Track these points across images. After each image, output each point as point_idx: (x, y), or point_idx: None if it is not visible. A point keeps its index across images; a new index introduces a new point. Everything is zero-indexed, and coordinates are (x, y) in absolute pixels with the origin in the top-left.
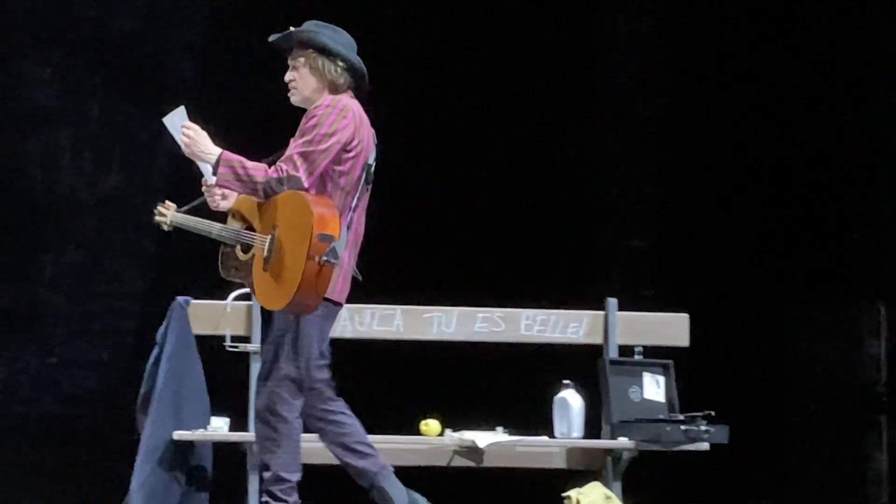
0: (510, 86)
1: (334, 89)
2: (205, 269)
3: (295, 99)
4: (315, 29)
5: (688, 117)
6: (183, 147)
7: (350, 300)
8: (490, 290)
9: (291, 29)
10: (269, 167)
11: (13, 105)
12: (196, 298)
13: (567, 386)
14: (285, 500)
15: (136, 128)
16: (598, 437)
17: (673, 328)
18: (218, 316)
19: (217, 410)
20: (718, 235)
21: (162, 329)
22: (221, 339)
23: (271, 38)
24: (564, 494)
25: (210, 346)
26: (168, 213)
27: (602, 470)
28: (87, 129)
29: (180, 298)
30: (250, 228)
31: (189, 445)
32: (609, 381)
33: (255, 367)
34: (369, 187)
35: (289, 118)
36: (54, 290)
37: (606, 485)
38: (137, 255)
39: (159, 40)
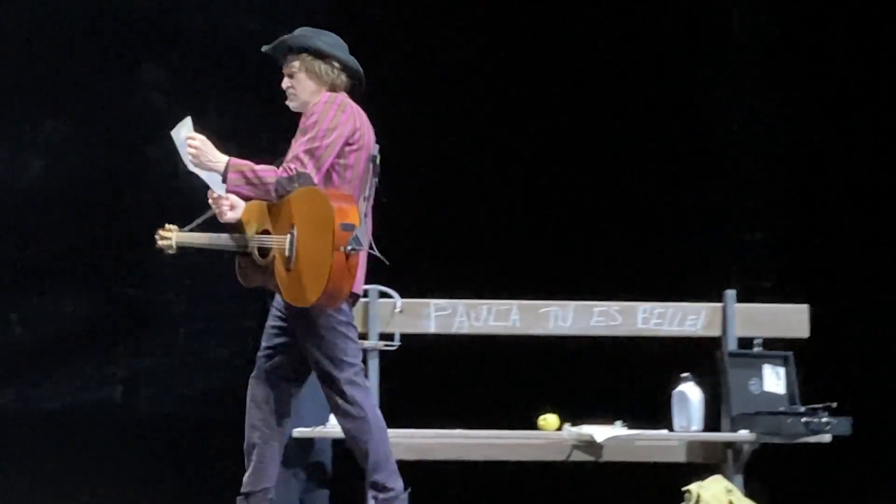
0: (624, 73)
1: (332, 90)
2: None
3: (294, 104)
4: (307, 34)
5: (808, 107)
6: (189, 159)
7: (466, 296)
8: (606, 283)
9: (281, 38)
10: (278, 168)
11: (132, 109)
12: None
13: (686, 379)
14: (392, 489)
15: (255, 130)
16: (717, 430)
17: (792, 319)
18: None
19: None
20: (838, 225)
21: None
22: None
23: (264, 49)
24: (685, 488)
25: None
26: (172, 236)
27: (722, 463)
28: (205, 132)
29: None
30: (264, 232)
31: (309, 443)
32: (728, 373)
33: (373, 364)
34: (377, 180)
35: (401, 118)
36: (176, 291)
37: (727, 478)
38: None
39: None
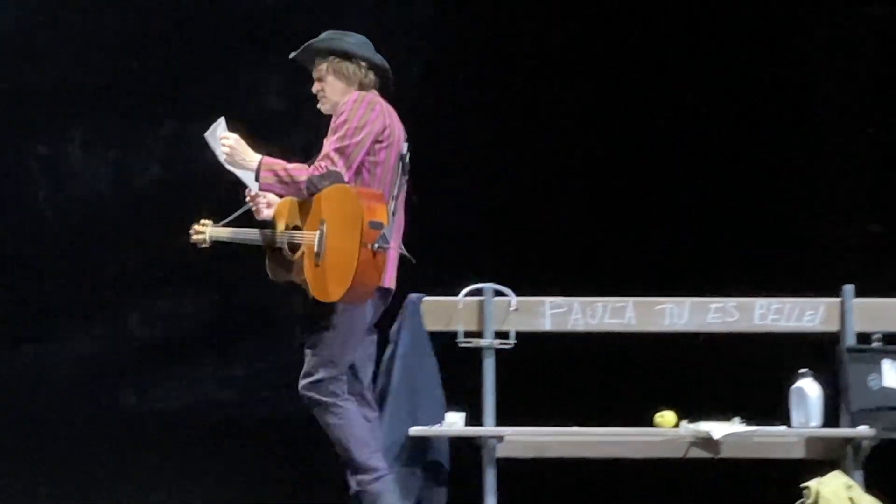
0: (731, 65)
1: (361, 89)
2: (437, 265)
3: (325, 107)
4: (333, 36)
5: None
6: (223, 158)
7: (581, 293)
8: (722, 279)
9: (307, 43)
10: (309, 166)
11: (248, 112)
12: (428, 295)
13: (804, 375)
14: (375, 468)
15: None
16: (835, 426)
17: None
18: (450, 312)
19: (451, 406)
20: None
21: (395, 326)
22: (454, 335)
23: (292, 56)
24: (804, 485)
25: (443, 342)
26: (206, 230)
27: (842, 459)
28: (319, 133)
29: (413, 295)
30: (295, 228)
31: (426, 441)
32: (847, 369)
33: (489, 363)
34: (407, 177)
35: (505, 116)
36: (292, 291)
37: (847, 474)
38: None
39: (385, 44)
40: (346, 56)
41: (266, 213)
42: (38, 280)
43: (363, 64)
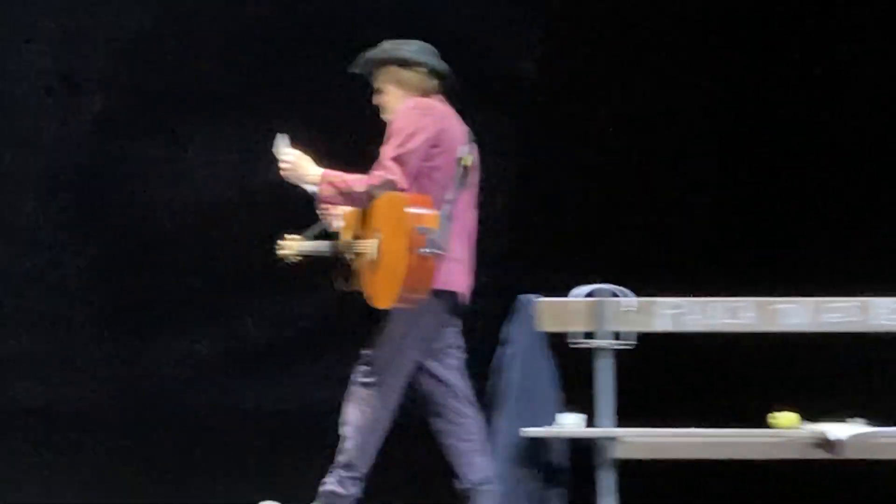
0: (861, 59)
1: (424, 95)
2: (545, 265)
3: (389, 117)
4: (389, 46)
5: None
6: (284, 175)
7: (699, 293)
8: (841, 278)
9: (366, 55)
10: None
11: (367, 115)
12: (539, 295)
13: None
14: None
15: (478, 131)
16: None
17: None
18: (563, 313)
19: (570, 407)
20: None
21: (508, 327)
22: (566, 335)
23: (350, 69)
24: None
25: (555, 343)
26: (295, 245)
27: None
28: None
29: (524, 296)
30: (356, 237)
31: (542, 442)
32: None
33: (603, 364)
34: (466, 181)
35: (619, 113)
36: None
37: None
38: (482, 254)
39: (497, 42)
40: (405, 63)
41: (336, 225)
42: (157, 282)
43: (422, 70)
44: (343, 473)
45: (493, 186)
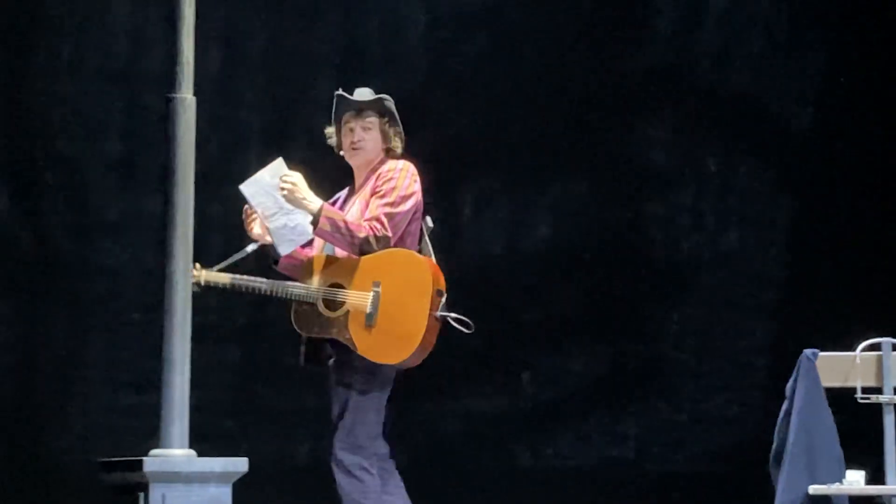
0: None
1: (391, 155)
2: (833, 321)
3: (359, 158)
4: (390, 99)
5: None
6: (282, 195)
7: None
8: None
9: (381, 95)
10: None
11: (635, 167)
12: (823, 350)
13: None
14: None
15: (755, 182)
16: None
17: None
18: (847, 367)
19: (850, 464)
20: None
21: (791, 382)
22: (852, 390)
23: (361, 98)
24: None
25: (839, 398)
26: (200, 275)
27: None
28: (705, 186)
29: (808, 351)
30: (335, 286)
31: (825, 500)
32: None
33: (889, 419)
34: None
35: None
36: (682, 347)
37: None
38: (760, 308)
39: (774, 96)
40: (395, 122)
41: (256, 233)
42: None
43: (400, 131)
44: None
45: (767, 239)
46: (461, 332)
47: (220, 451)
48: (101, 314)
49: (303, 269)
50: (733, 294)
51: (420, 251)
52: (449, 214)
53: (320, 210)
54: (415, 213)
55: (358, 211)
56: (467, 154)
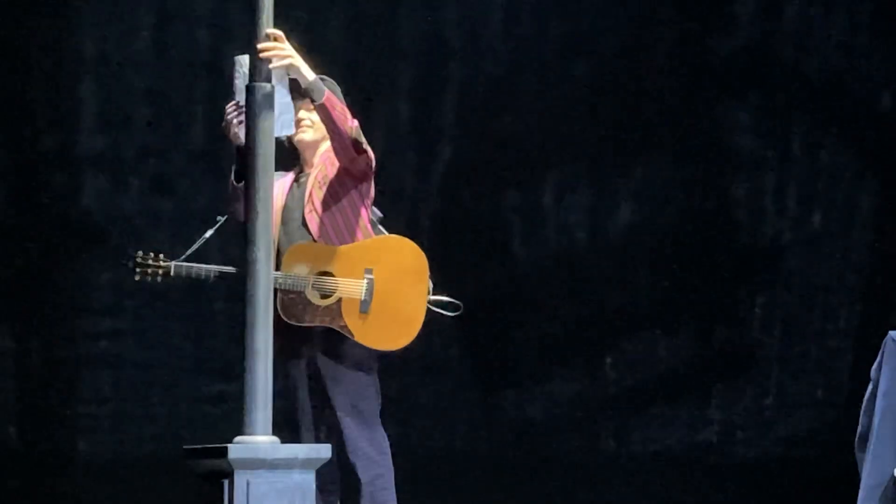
0: None
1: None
2: None
3: (308, 135)
4: (333, 82)
5: None
6: (285, 62)
7: None
8: None
9: (319, 76)
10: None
11: (719, 150)
12: None
13: None
14: None
15: (840, 164)
16: None
17: None
18: None
19: None
20: None
21: (875, 365)
22: None
23: (294, 77)
24: None
25: None
26: (170, 265)
27: None
28: (789, 169)
29: (893, 333)
30: (323, 274)
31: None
32: None
33: None
34: None
35: None
36: (767, 332)
37: None
38: (847, 291)
39: (858, 77)
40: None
41: (240, 136)
42: (517, 326)
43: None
44: None
45: (852, 222)
46: (453, 316)
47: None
48: (185, 302)
49: (285, 258)
50: (818, 278)
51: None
52: (532, 200)
53: (317, 79)
54: (368, 194)
55: (305, 195)
56: (549, 140)
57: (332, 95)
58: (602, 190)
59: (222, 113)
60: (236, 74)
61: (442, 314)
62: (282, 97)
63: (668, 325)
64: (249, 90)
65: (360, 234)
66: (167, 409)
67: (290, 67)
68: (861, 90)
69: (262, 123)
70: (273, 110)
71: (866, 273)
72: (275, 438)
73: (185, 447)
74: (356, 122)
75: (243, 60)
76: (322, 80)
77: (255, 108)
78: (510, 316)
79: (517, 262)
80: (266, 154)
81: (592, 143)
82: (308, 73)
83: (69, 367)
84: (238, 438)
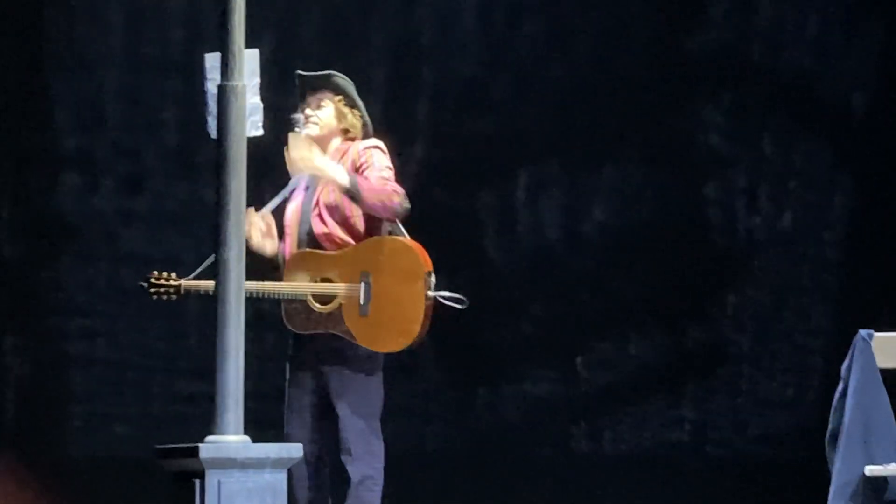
0: None
1: (349, 137)
2: (890, 302)
3: (314, 131)
4: (346, 79)
5: None
6: (306, 129)
7: None
8: None
9: (330, 72)
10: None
11: (691, 150)
12: (879, 331)
13: None
14: None
15: (812, 164)
16: None
17: None
18: None
19: None
20: None
21: (846, 363)
22: None
23: (305, 74)
24: None
25: (895, 379)
26: (180, 283)
27: None
28: (761, 168)
29: (863, 332)
30: (324, 280)
31: (882, 481)
32: None
33: None
34: None
35: None
36: (739, 331)
37: None
38: (819, 290)
39: (830, 77)
40: (352, 104)
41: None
42: (490, 325)
43: (359, 115)
44: None
45: (824, 221)
46: (455, 308)
47: (276, 437)
48: (158, 302)
49: (286, 268)
50: (790, 277)
51: (391, 233)
52: (505, 199)
53: (354, 180)
54: None
55: (312, 200)
56: (522, 140)
57: (363, 184)
58: (575, 189)
59: (195, 112)
60: (207, 73)
61: (452, 306)
62: (252, 97)
63: (640, 325)
64: (220, 89)
65: (366, 238)
66: (140, 409)
67: (322, 176)
68: (834, 90)
69: (234, 124)
70: (245, 110)
71: (838, 272)
72: (246, 438)
73: (157, 447)
74: (401, 193)
75: (214, 59)
76: (334, 75)
77: (226, 107)
78: (483, 316)
79: (490, 262)
80: (237, 155)
81: (565, 143)
82: (342, 179)
83: (42, 366)
84: (209, 438)
